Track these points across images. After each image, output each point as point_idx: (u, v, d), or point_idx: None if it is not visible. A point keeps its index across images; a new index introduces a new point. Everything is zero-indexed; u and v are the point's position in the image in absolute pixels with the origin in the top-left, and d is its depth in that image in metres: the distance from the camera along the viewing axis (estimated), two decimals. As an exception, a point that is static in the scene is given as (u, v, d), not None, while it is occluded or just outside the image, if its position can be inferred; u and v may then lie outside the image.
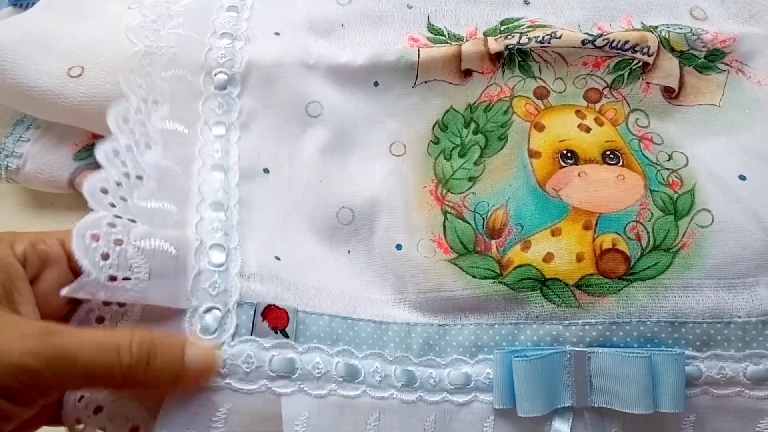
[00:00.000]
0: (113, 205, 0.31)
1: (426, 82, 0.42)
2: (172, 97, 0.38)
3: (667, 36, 0.42)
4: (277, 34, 0.43)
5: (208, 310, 0.32)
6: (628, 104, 0.41)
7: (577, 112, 0.41)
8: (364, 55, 0.42)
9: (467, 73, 0.43)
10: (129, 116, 0.35)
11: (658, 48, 0.41)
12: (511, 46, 0.42)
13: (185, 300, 0.32)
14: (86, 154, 0.46)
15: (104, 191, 0.31)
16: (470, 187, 0.39)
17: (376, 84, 0.42)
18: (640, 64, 0.41)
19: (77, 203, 0.43)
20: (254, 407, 0.31)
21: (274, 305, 0.34)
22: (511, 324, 0.36)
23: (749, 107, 0.41)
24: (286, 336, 0.33)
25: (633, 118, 0.41)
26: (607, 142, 0.39)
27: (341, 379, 0.33)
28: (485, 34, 0.44)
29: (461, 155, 0.41)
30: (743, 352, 0.34)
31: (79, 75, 0.42)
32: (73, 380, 0.26)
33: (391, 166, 0.41)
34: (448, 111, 0.42)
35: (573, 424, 0.34)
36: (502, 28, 0.44)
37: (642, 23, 0.43)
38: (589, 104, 0.41)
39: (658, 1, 0.45)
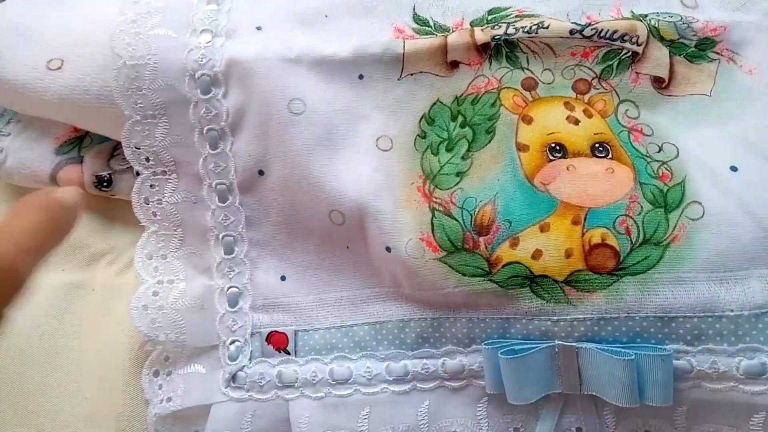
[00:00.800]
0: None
1: (412, 75, 0.41)
2: (165, 110, 0.40)
3: (656, 25, 0.41)
4: (258, 28, 0.41)
5: (232, 342, 0.41)
6: (618, 95, 0.40)
7: (566, 103, 0.40)
8: (348, 47, 0.41)
9: (453, 65, 0.41)
10: (139, 142, 0.41)
11: (648, 37, 0.40)
12: (497, 37, 0.41)
13: (216, 337, 0.41)
14: (68, 149, 0.45)
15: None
16: (458, 183, 0.39)
17: (360, 77, 0.41)
18: (630, 53, 0.40)
19: None
20: (270, 411, 0.39)
21: (276, 331, 0.41)
22: (502, 318, 0.37)
23: (741, 97, 0.40)
24: (288, 353, 0.40)
25: (622, 109, 0.40)
26: (596, 134, 0.39)
27: (334, 382, 0.39)
28: (472, 25, 0.42)
29: (448, 149, 0.40)
30: (736, 346, 0.34)
31: (59, 68, 0.41)
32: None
33: (377, 161, 0.40)
34: (434, 104, 0.41)
35: (565, 408, 0.36)
36: (489, 18, 0.43)
37: (632, 12, 0.42)
38: (578, 95, 0.40)
39: None
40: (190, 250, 0.42)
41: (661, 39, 0.41)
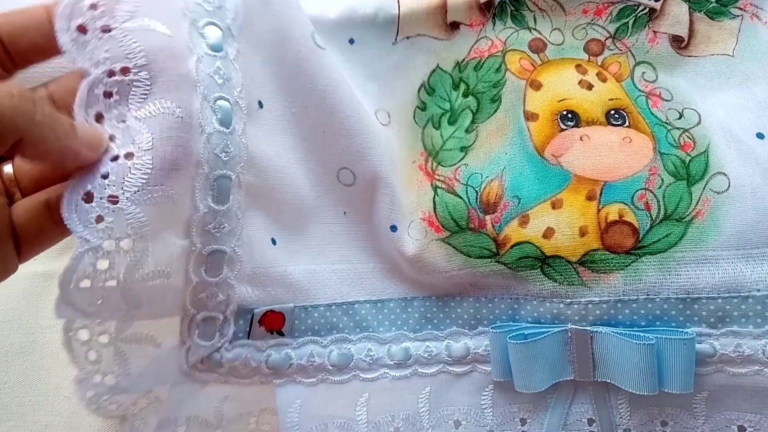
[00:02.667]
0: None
1: (408, 38, 0.38)
2: None
3: None
4: None
5: (205, 319, 0.33)
6: (634, 56, 0.37)
7: (578, 66, 0.37)
8: (337, 8, 0.37)
9: (454, 26, 0.38)
10: None
11: None
12: None
13: (180, 310, 0.32)
14: None
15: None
16: (462, 158, 0.36)
17: (351, 41, 0.38)
18: (646, 10, 0.37)
19: None
20: (249, 395, 0.35)
21: (271, 310, 0.35)
22: (511, 299, 0.35)
23: (764, 55, 0.36)
24: (282, 335, 0.35)
25: (639, 71, 0.37)
26: (611, 100, 0.35)
27: (333, 368, 0.35)
28: None
29: (451, 122, 0.37)
30: (763, 328, 0.31)
31: None
32: None
33: (383, 137, 0.37)
34: (434, 71, 0.38)
35: (576, 397, 0.34)
36: None
37: None
38: (591, 57, 0.37)
39: None
40: (164, 192, 0.29)
41: None
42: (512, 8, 0.38)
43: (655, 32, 0.37)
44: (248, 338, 0.35)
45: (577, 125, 0.35)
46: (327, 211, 0.37)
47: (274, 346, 0.35)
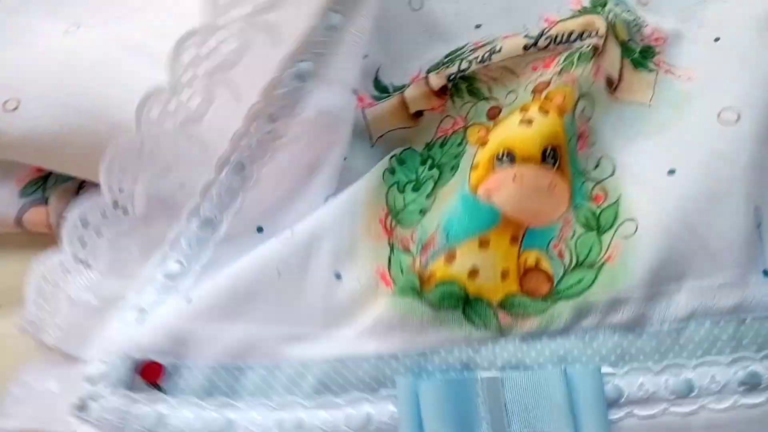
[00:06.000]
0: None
1: (381, 137, 0.41)
2: None
3: (613, 21, 0.39)
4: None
5: (99, 361, 0.33)
6: (580, 86, 0.38)
7: (522, 108, 0.37)
8: None
9: (418, 115, 0.40)
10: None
11: (607, 32, 0.38)
12: (452, 76, 0.39)
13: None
14: (32, 189, 0.43)
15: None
16: (420, 220, 0.37)
17: (344, 159, 0.39)
18: (590, 47, 0.38)
19: (29, 241, 0.42)
20: None
21: (151, 360, 0.33)
22: (417, 354, 0.34)
23: (680, 102, 0.39)
24: (160, 390, 0.33)
25: (581, 106, 0.38)
26: (550, 134, 0.36)
27: None
28: (427, 72, 0.41)
29: (415, 189, 0.38)
30: (661, 364, 0.34)
31: (15, 108, 0.39)
32: None
33: (345, 193, 0.37)
34: (407, 149, 0.39)
35: None
36: (445, 60, 0.42)
37: None
38: (536, 95, 0.38)
39: None
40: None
41: (616, 37, 0.39)
42: (466, 85, 0.39)
43: (598, 66, 0.38)
44: (128, 388, 0.33)
45: (512, 162, 0.35)
46: (261, 269, 0.35)
47: (149, 402, 0.33)
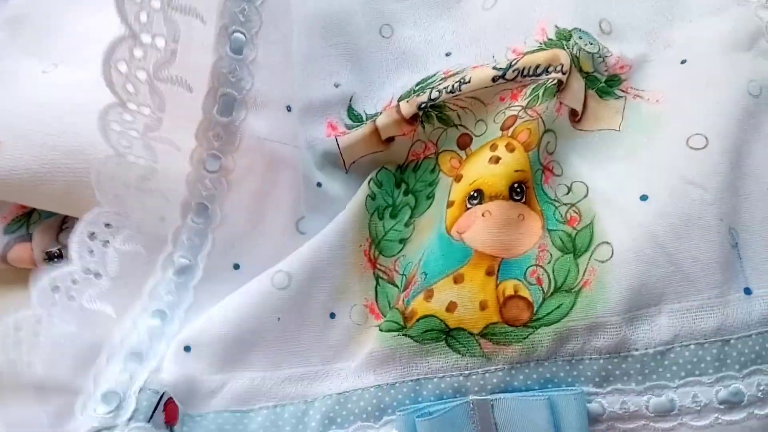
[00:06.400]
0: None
1: (354, 162, 0.42)
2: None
3: (577, 54, 0.40)
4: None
5: (106, 393, 0.34)
6: (544, 123, 0.39)
7: (492, 145, 0.39)
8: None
9: (389, 140, 0.42)
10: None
11: (571, 66, 0.39)
12: (423, 104, 0.40)
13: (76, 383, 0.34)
14: (16, 227, 0.45)
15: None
16: (401, 250, 0.40)
17: (319, 185, 0.42)
18: (555, 81, 0.39)
19: (14, 278, 0.43)
20: None
21: (173, 401, 0.35)
22: (412, 381, 0.36)
23: (651, 125, 0.39)
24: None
25: (545, 140, 0.39)
26: (517, 171, 0.38)
27: None
28: (398, 100, 0.42)
29: (393, 216, 0.41)
30: (644, 385, 0.34)
31: None
32: None
33: (334, 223, 0.40)
34: (381, 169, 0.42)
35: None
36: (416, 88, 0.43)
37: (556, 26, 0.41)
38: (504, 132, 0.39)
39: (570, 11, 0.43)
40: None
41: (580, 70, 0.40)
42: (436, 113, 0.41)
43: (561, 102, 0.40)
44: (148, 422, 0.33)
45: (480, 202, 0.37)
46: (260, 319, 0.37)
47: None
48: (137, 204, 0.37)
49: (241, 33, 0.36)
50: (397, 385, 0.36)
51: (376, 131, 0.42)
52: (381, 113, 0.42)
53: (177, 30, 0.34)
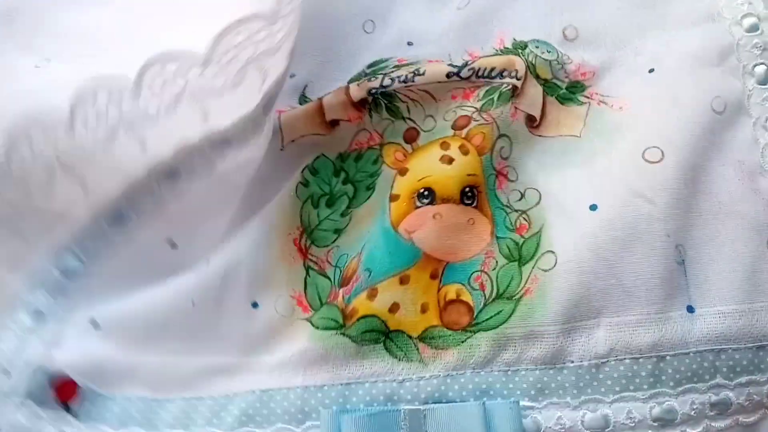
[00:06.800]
0: None
1: (293, 141, 0.40)
2: None
3: (533, 61, 0.40)
4: None
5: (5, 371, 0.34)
6: (498, 127, 0.39)
7: (443, 143, 0.39)
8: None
9: (333, 123, 0.40)
10: None
11: (526, 72, 0.39)
12: (373, 90, 0.39)
13: None
14: None
15: None
16: (335, 240, 0.38)
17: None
18: (510, 87, 0.39)
19: None
20: None
21: (68, 379, 0.34)
22: (342, 385, 0.35)
23: (611, 133, 0.39)
24: (69, 410, 0.34)
25: (499, 145, 0.39)
26: (469, 175, 0.38)
27: None
28: (349, 82, 0.40)
29: (328, 205, 0.39)
30: (579, 399, 0.34)
31: None
32: None
33: (259, 214, 0.38)
34: (318, 157, 0.40)
35: None
36: (368, 71, 0.41)
37: (514, 38, 0.41)
38: (456, 132, 0.39)
39: (533, 22, 0.42)
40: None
41: (537, 77, 0.40)
42: (386, 102, 0.40)
43: (516, 108, 0.39)
44: (35, 401, 0.34)
45: (432, 202, 0.37)
46: (173, 300, 0.36)
47: (56, 421, 0.34)
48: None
49: None
50: (325, 388, 0.35)
51: (320, 110, 0.40)
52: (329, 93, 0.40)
53: None
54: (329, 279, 0.37)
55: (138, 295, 0.36)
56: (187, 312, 0.36)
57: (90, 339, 0.35)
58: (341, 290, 0.36)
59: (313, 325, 0.36)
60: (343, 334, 0.36)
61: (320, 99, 0.40)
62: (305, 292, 0.37)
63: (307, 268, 0.37)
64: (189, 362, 0.36)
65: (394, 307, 0.36)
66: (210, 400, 0.35)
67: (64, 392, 0.33)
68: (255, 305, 0.37)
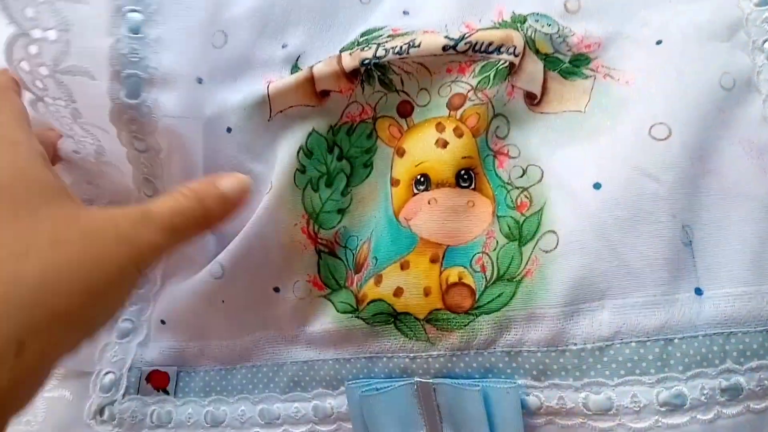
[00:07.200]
0: None
1: (282, 112, 0.40)
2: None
3: (533, 36, 0.38)
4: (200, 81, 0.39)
5: (107, 373, 0.42)
6: (493, 107, 0.38)
7: (438, 125, 0.38)
8: (210, 108, 0.40)
9: (324, 94, 0.39)
10: None
11: (524, 48, 0.38)
12: (366, 61, 0.38)
13: (92, 365, 0.41)
14: None
15: None
16: (340, 220, 0.39)
17: (228, 130, 0.40)
18: (507, 64, 0.38)
19: None
20: None
21: (157, 369, 0.42)
22: (366, 357, 0.38)
23: (616, 109, 0.37)
24: (167, 393, 0.42)
25: (494, 125, 0.38)
26: (464, 158, 0.37)
27: (207, 425, 0.41)
28: (341, 50, 0.40)
29: (327, 185, 0.39)
30: (581, 381, 0.34)
31: None
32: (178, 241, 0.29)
33: (260, 206, 0.39)
34: (310, 134, 0.39)
35: None
36: (361, 39, 0.40)
37: (513, 12, 0.39)
38: (451, 112, 0.38)
39: None
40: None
41: (537, 52, 0.38)
42: (379, 73, 0.39)
43: (513, 86, 0.38)
44: (138, 393, 0.41)
45: (427, 188, 0.37)
46: (209, 305, 0.41)
47: (159, 402, 0.41)
48: (104, 174, 0.40)
49: (137, 12, 0.36)
50: (352, 360, 0.38)
51: (311, 80, 0.39)
52: (320, 61, 0.39)
53: (66, 19, 0.34)
54: (341, 260, 0.39)
55: (177, 301, 0.42)
56: (220, 309, 0.41)
57: (164, 334, 0.43)
58: (356, 276, 0.38)
59: (333, 305, 0.39)
60: (358, 317, 0.38)
61: (311, 68, 0.39)
62: (319, 274, 0.39)
63: (319, 252, 0.39)
64: (239, 343, 0.42)
65: (398, 291, 0.37)
66: (265, 367, 0.41)
67: (158, 380, 0.42)
68: (277, 290, 0.40)
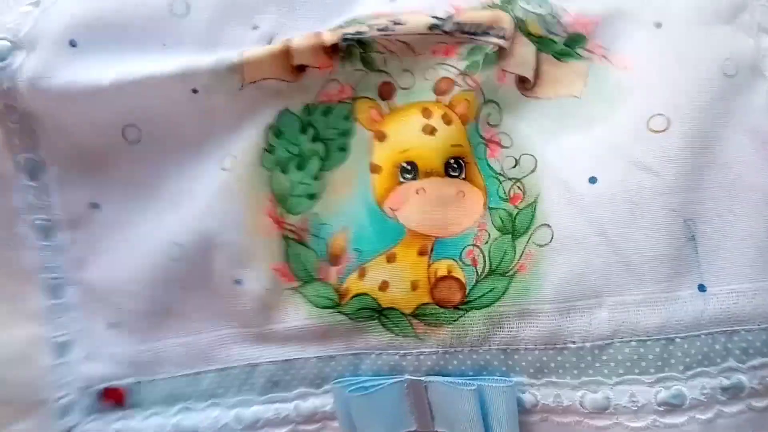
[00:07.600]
0: None
1: (254, 83, 0.36)
2: None
3: (524, 18, 0.36)
4: (73, 44, 0.36)
5: (60, 398, 0.38)
6: (483, 94, 0.36)
7: (424, 110, 0.36)
8: (174, 63, 0.35)
9: (300, 69, 0.36)
10: None
11: (515, 32, 0.36)
12: (348, 35, 0.35)
13: (43, 392, 0.38)
14: None
15: None
16: (310, 206, 0.36)
17: (195, 91, 0.36)
18: (496, 48, 0.36)
19: None
20: None
21: (110, 387, 0.39)
22: (352, 355, 0.36)
23: (612, 96, 0.35)
24: (124, 408, 0.38)
25: (485, 112, 0.36)
26: (453, 146, 0.35)
27: None
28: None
29: (299, 167, 0.37)
30: (579, 380, 0.33)
31: None
32: None
33: (219, 184, 0.36)
34: (282, 113, 0.37)
35: None
36: (343, 24, 0.37)
37: None
38: (439, 97, 0.36)
39: None
40: (6, 294, 0.38)
41: (528, 34, 0.36)
42: (361, 51, 0.36)
43: (503, 70, 0.36)
44: (97, 413, 0.39)
45: (415, 177, 0.35)
46: (165, 289, 0.38)
47: (122, 419, 0.39)
48: None
49: None
50: (337, 357, 0.37)
51: (288, 53, 0.36)
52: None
53: None
54: (312, 249, 0.36)
55: (128, 286, 0.38)
56: (179, 298, 0.38)
57: (114, 339, 0.39)
58: (334, 269, 0.36)
59: (306, 298, 0.36)
60: (340, 312, 0.36)
61: (288, 40, 0.36)
62: (288, 262, 0.37)
63: (285, 238, 0.37)
64: (201, 339, 0.38)
65: (383, 285, 0.35)
66: (236, 370, 0.38)
67: (113, 396, 0.39)
68: (238, 282, 0.37)
